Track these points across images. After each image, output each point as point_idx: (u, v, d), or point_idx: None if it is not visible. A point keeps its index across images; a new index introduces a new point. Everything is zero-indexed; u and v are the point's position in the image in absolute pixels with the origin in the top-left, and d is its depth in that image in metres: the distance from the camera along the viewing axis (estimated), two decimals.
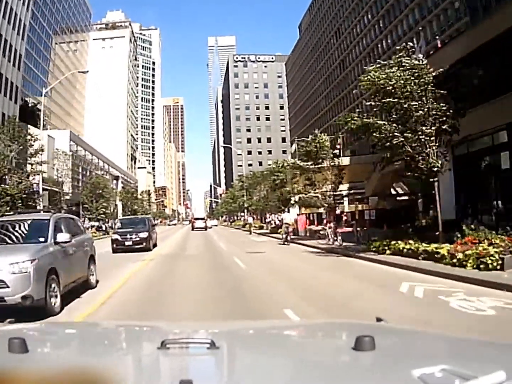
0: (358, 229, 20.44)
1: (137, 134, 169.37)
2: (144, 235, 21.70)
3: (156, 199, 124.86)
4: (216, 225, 68.48)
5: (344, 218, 33.00)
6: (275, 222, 44.85)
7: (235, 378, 1.37)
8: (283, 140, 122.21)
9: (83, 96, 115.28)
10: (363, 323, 2.48)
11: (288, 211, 33.84)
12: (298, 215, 34.15)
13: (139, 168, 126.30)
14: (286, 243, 23.73)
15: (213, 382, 1.33)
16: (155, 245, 23.78)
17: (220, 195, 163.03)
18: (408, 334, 2.06)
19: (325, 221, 31.21)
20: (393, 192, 35.47)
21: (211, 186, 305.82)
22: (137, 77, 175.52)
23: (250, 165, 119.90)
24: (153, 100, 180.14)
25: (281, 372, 1.41)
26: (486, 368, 1.17)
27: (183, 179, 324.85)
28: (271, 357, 1.59)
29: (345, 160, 37.32)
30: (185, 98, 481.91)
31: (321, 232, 23.11)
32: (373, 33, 65.43)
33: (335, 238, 19.42)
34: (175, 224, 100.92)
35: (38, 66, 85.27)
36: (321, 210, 29.52)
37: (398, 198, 35.08)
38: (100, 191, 42.76)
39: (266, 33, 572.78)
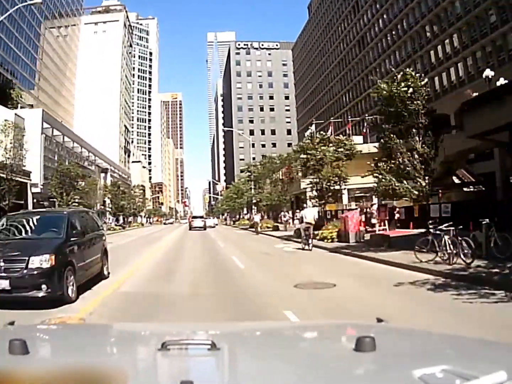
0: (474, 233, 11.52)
1: (132, 128, 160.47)
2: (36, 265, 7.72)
3: (152, 196, 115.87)
4: (216, 225, 59.80)
5: (397, 215, 24.38)
6: (292, 221, 36.12)
7: (236, 380, 1.38)
8: (289, 132, 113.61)
9: (72, 83, 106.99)
10: (364, 323, 2.50)
11: (312, 206, 26.40)
12: (347, 210, 25.67)
13: (133, 162, 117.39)
14: (306, 247, 18.43)
15: (214, 383, 1.33)
16: (102, 277, 10.50)
17: (219, 192, 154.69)
18: (408, 334, 2.05)
19: (374, 220, 22.68)
20: (456, 181, 26.88)
21: (209, 184, 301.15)
22: (133, 68, 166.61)
23: (253, 158, 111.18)
24: (149, 92, 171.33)
25: (282, 373, 1.38)
26: (487, 368, 1.18)
27: (181, 176, 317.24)
28: (272, 358, 1.58)
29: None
30: (183, 96, 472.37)
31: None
32: (396, 7, 56.73)
33: (455, 251, 10.26)
34: (171, 223, 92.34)
35: (28, 54, 78.46)
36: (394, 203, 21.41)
37: (465, 188, 26.52)
38: (73, 182, 33.71)
39: (267, 27, 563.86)
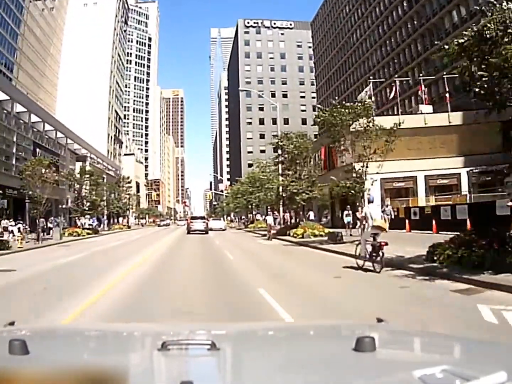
0: None
1: (128, 119, 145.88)
2: None
3: (147, 193, 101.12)
4: (224, 229, 45.06)
5: None
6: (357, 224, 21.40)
7: (236, 380, 1.38)
8: (303, 122, 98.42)
9: (57, 62, 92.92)
10: (364, 324, 2.49)
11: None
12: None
13: (126, 154, 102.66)
14: (374, 266, 10.46)
15: (214, 383, 1.33)
16: None
17: (223, 190, 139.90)
18: (408, 335, 2.06)
19: None
20: None
21: (211, 184, 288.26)
22: (130, 53, 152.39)
23: (262, 151, 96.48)
24: (148, 80, 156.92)
25: (282, 373, 1.38)
26: (487, 368, 1.18)
27: (182, 175, 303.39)
28: (272, 358, 1.58)
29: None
30: (185, 95, 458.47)
31: None
32: None
33: None
34: (167, 225, 77.52)
35: (7, 28, 67.86)
36: None
37: None
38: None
39: (278, 5, 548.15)
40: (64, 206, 42.80)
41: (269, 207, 46.61)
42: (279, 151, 28.17)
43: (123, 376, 1.17)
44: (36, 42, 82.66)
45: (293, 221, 31.50)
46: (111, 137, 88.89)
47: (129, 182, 56.15)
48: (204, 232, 36.95)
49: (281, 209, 31.76)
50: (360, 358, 1.37)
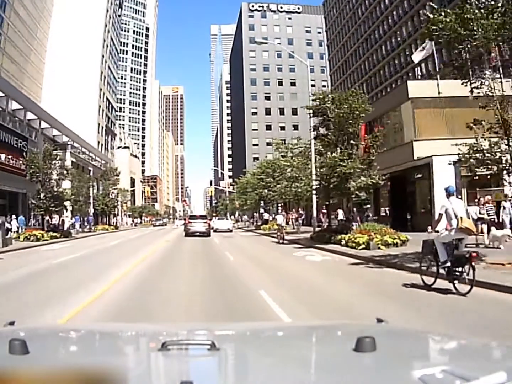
0: None
1: (123, 111, 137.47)
2: None
3: (143, 189, 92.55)
4: (230, 230, 36.62)
5: None
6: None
7: (236, 380, 1.38)
8: None
9: (44, 46, 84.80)
10: (364, 324, 2.49)
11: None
12: None
13: (119, 148, 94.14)
14: (457, 287, 7.41)
15: (214, 383, 1.33)
16: None
17: (224, 188, 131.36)
18: (409, 335, 2.04)
19: None
20: None
21: (211, 182, 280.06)
22: (126, 43, 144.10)
23: (269, 144, 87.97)
24: (145, 72, 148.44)
25: (282, 373, 1.37)
26: (487, 369, 1.18)
27: (181, 174, 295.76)
28: (272, 358, 1.57)
29: None
30: (185, 92, 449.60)
31: None
32: None
33: None
34: (162, 225, 68.93)
35: None
36: None
37: None
38: None
39: None
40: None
41: (280, 205, 38.26)
42: (315, 122, 19.72)
43: (123, 376, 1.16)
44: (22, 25, 75.02)
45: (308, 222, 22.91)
46: (102, 128, 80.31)
47: (117, 175, 47.61)
48: (205, 235, 29.04)
49: (314, 204, 23.07)
50: (360, 358, 1.36)
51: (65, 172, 29.81)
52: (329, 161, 16.68)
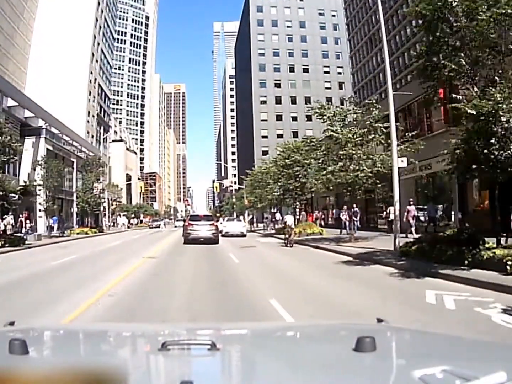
0: None
1: (121, 104, 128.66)
2: None
3: (143, 189, 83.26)
4: (244, 235, 27.74)
5: None
6: None
7: (236, 380, 1.38)
8: (329, 100, 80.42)
9: (30, 27, 76.48)
10: (364, 324, 2.45)
11: None
12: None
13: (114, 141, 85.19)
14: None
15: (214, 383, 1.33)
16: None
17: (227, 187, 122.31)
18: (409, 335, 2.03)
19: None
20: None
21: (213, 182, 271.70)
22: (124, 32, 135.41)
23: (280, 136, 79.05)
24: (144, 63, 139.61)
25: (282, 373, 1.37)
26: (487, 368, 1.18)
27: (183, 173, 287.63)
28: (272, 358, 1.56)
29: None
30: (187, 90, 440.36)
31: None
32: None
33: None
34: (158, 227, 60.04)
35: None
36: None
37: None
38: None
39: None
40: None
41: (298, 204, 29.43)
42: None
43: (123, 376, 1.15)
44: (8, 5, 66.94)
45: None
46: (94, 117, 71.47)
47: (102, 166, 38.73)
48: (212, 242, 20.66)
49: (396, 195, 13.86)
50: (360, 358, 1.35)
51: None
52: (480, 104, 7.72)
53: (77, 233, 33.90)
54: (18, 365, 1.27)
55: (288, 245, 19.49)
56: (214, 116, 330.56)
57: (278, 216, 38.42)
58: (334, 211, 32.25)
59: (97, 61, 74.86)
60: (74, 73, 66.62)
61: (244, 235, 28.19)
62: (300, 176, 25.46)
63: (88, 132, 67.55)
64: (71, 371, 1.17)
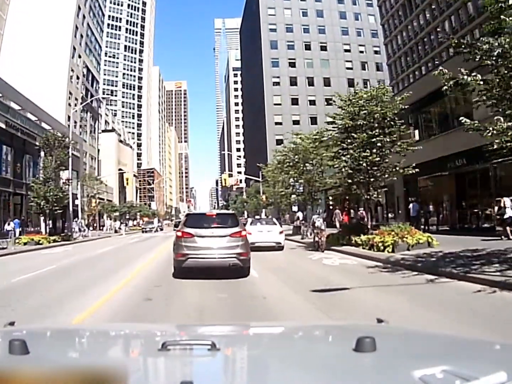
0: None
1: (115, 95, 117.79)
2: None
3: (136, 185, 72.36)
4: (281, 247, 16.99)
5: None
6: None
7: (236, 380, 1.39)
8: (350, 83, 69.17)
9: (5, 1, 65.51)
10: (364, 324, 2.47)
11: None
12: None
13: (104, 131, 74.33)
14: None
15: (214, 383, 1.35)
16: None
17: (232, 186, 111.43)
18: (409, 335, 2.03)
19: None
20: None
21: (217, 182, 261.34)
22: (119, 18, 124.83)
23: (296, 122, 68.02)
24: (141, 51, 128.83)
25: (282, 373, 1.37)
26: (487, 368, 1.18)
27: (186, 173, 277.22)
28: (272, 358, 1.56)
29: None
30: (188, 87, 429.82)
31: None
32: None
33: None
34: (151, 230, 49.36)
35: None
36: None
37: None
38: None
39: None
40: None
41: (375, 194, 18.51)
42: None
43: (123, 376, 1.16)
44: None
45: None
46: (76, 99, 60.60)
47: (67, 146, 27.92)
48: (238, 275, 9.66)
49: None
50: (360, 358, 1.36)
51: None
52: None
53: (24, 243, 22.97)
54: (18, 365, 1.26)
55: (319, 249, 16.42)
56: (216, 118, 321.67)
57: (299, 215, 28.12)
58: (411, 206, 21.42)
59: (81, 35, 64.02)
60: (53, 45, 55.73)
61: (281, 247, 17.32)
62: (378, 144, 14.60)
63: (68, 117, 56.77)
64: (71, 371, 1.16)
